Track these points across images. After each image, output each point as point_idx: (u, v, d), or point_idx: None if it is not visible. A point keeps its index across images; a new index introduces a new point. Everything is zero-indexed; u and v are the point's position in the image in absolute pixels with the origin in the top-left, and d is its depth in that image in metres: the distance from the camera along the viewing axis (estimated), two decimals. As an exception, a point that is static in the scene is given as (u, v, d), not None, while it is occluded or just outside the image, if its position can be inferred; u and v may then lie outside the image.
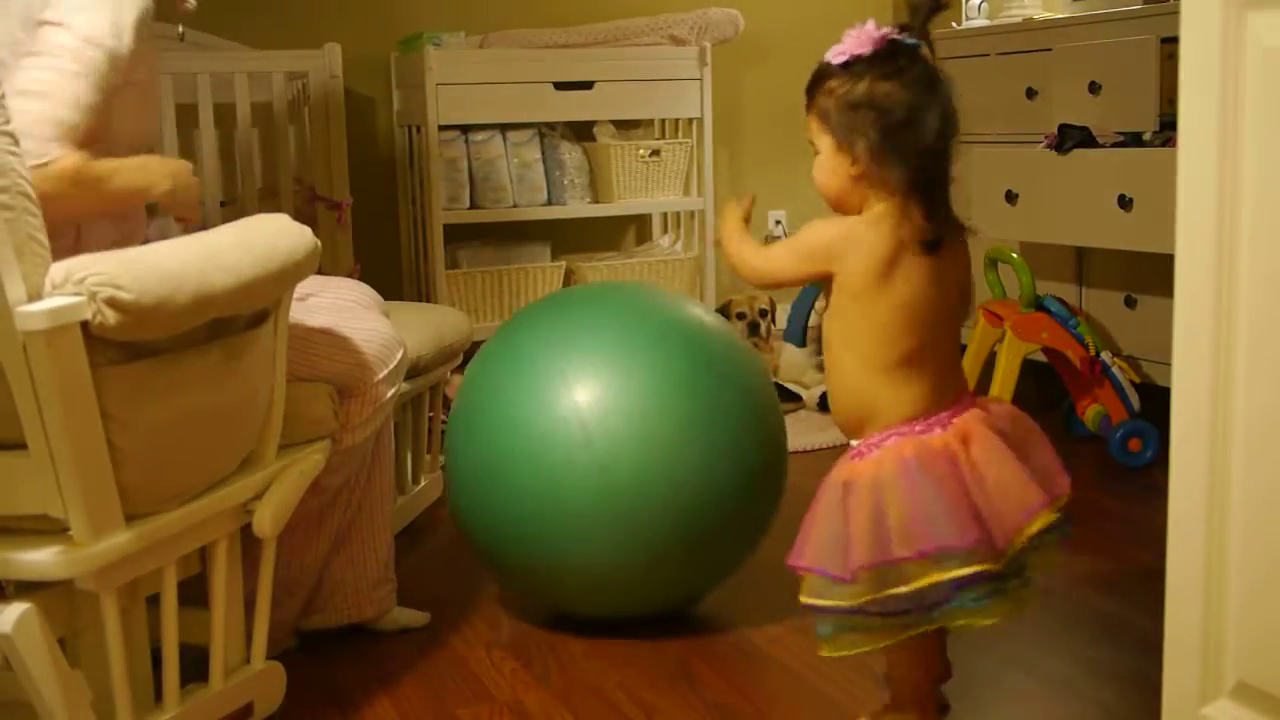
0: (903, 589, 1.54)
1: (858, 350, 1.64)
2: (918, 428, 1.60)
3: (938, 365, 1.63)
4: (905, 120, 1.59)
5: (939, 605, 1.57)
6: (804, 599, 1.60)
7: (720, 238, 1.81)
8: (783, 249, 1.72)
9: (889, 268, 1.61)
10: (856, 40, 1.64)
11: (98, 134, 1.72)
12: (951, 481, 1.56)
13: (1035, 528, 1.58)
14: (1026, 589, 1.64)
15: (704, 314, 2.19)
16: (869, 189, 1.63)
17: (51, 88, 1.65)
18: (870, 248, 1.61)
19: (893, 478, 1.57)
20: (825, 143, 1.69)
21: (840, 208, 1.68)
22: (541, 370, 2.02)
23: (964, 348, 3.46)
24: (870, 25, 1.64)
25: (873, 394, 1.63)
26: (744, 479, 2.04)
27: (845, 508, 1.60)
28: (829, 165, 1.68)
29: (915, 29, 1.63)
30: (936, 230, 1.60)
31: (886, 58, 1.62)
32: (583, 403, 1.97)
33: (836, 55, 1.66)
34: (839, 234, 1.64)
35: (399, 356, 2.03)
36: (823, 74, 1.69)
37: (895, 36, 1.62)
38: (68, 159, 1.66)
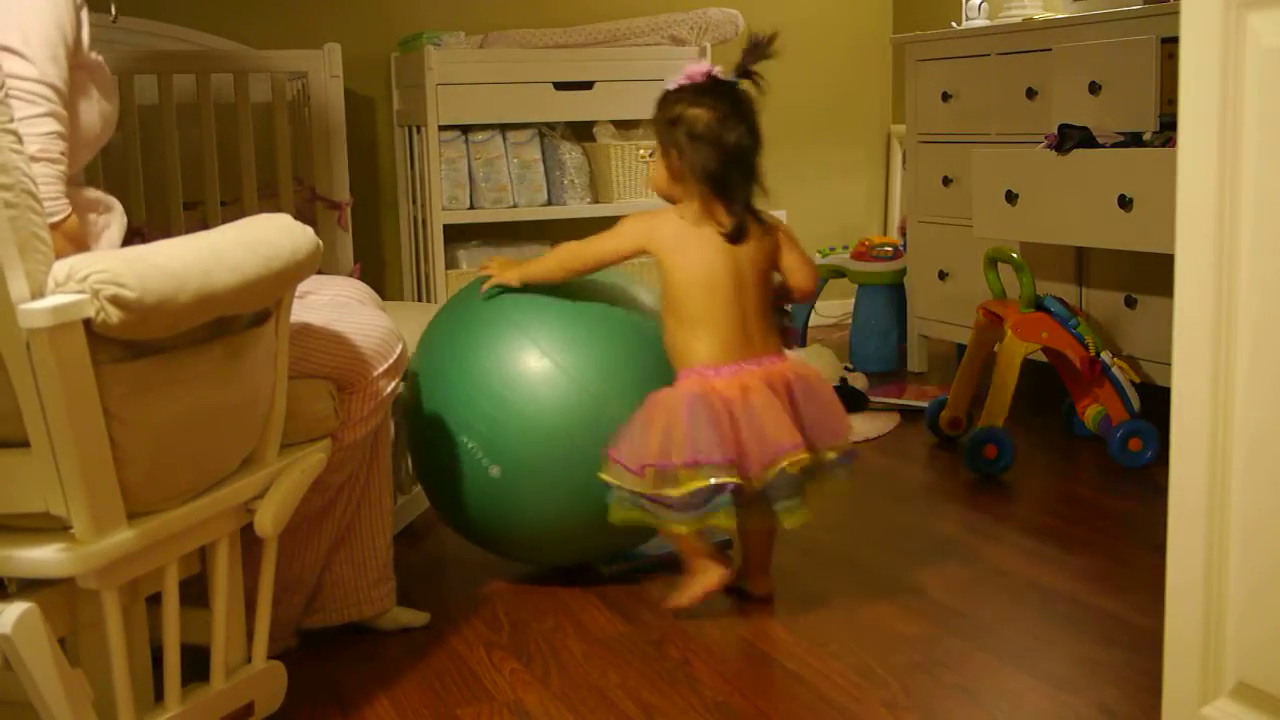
0: (674, 492, 2.00)
1: (667, 309, 2.15)
2: (709, 373, 2.07)
3: (729, 329, 2.09)
4: (706, 136, 2.08)
5: (701, 507, 2.01)
6: (603, 476, 2.06)
7: (527, 274, 2.24)
8: (608, 233, 2.20)
9: (686, 249, 2.11)
10: (686, 74, 2.14)
11: (72, 146, 1.71)
12: (722, 416, 2.01)
13: (786, 462, 2.01)
14: (792, 507, 2.07)
15: (639, 293, 2.34)
16: (682, 187, 2.12)
17: (31, 140, 1.62)
18: (672, 232, 2.12)
19: (679, 406, 2.03)
20: (656, 149, 2.17)
21: (666, 197, 2.17)
22: (500, 328, 2.21)
23: (963, 347, 3.49)
24: (701, 64, 2.14)
25: (675, 342, 2.13)
26: None
27: (650, 421, 2.05)
28: (655, 167, 2.17)
29: (739, 69, 2.13)
30: (735, 224, 2.09)
31: (704, 89, 2.11)
32: (546, 347, 2.17)
33: (671, 84, 2.15)
34: (650, 221, 2.16)
35: (398, 351, 2.03)
36: (661, 97, 2.15)
37: (715, 74, 2.13)
38: (71, 219, 1.67)
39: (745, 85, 2.14)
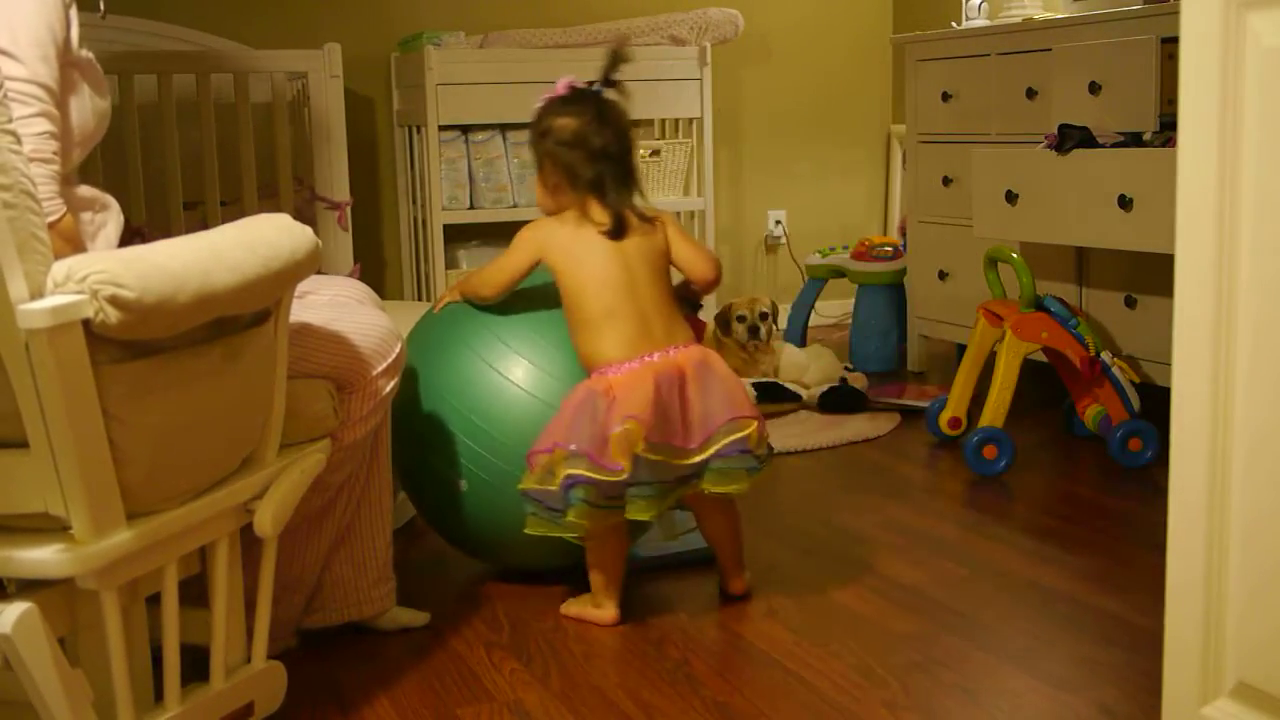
0: (552, 487, 2.03)
1: (568, 313, 2.18)
2: (610, 371, 2.09)
3: (628, 324, 2.12)
4: (573, 142, 2.16)
5: (566, 502, 2.03)
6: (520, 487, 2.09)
7: (455, 294, 2.32)
8: (507, 250, 2.23)
9: (575, 252, 2.16)
10: (553, 89, 2.23)
11: (65, 145, 1.71)
12: (604, 410, 2.04)
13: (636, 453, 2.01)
14: (653, 500, 2.06)
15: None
16: (562, 198, 2.19)
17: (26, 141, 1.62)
18: (561, 238, 2.18)
19: (569, 399, 2.09)
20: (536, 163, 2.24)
21: (549, 211, 2.23)
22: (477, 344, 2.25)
23: (963, 347, 3.49)
24: (566, 78, 2.22)
25: (579, 345, 2.16)
26: None
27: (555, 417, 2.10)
28: (536, 184, 2.25)
29: (601, 79, 2.20)
30: (613, 221, 2.15)
31: (568, 100, 2.20)
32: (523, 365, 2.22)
33: (538, 101, 2.24)
34: (540, 229, 2.21)
35: (397, 350, 2.03)
36: (533, 114, 2.23)
37: (575, 85, 2.21)
38: (66, 218, 1.67)
39: (610, 94, 2.21)
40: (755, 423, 2.11)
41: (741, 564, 2.28)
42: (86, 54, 1.76)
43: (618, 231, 2.16)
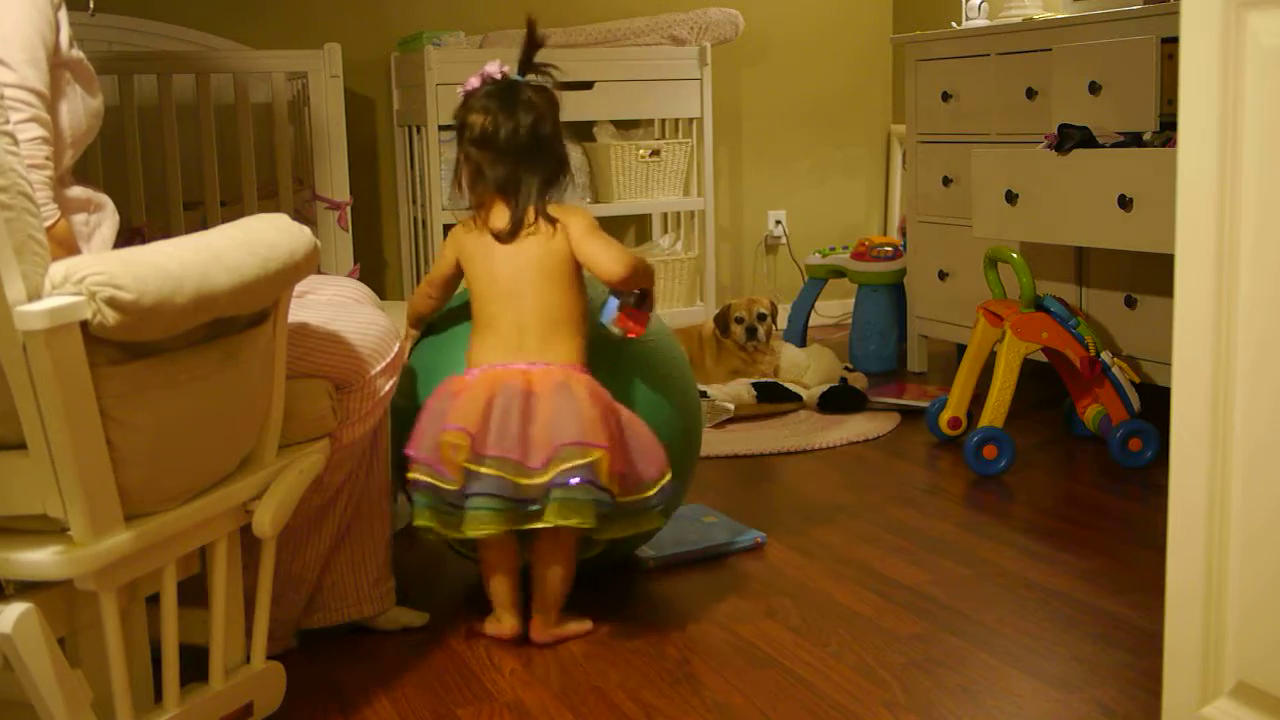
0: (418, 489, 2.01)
1: (473, 312, 2.13)
2: (466, 375, 2.05)
3: (503, 332, 2.07)
4: (480, 140, 2.08)
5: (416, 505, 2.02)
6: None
7: (410, 330, 2.28)
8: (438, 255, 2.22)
9: (474, 256, 2.12)
10: (468, 82, 2.13)
11: (57, 148, 1.71)
12: (444, 416, 1.98)
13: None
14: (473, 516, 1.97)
15: None
16: (474, 193, 2.13)
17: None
18: (468, 241, 2.13)
19: (428, 400, 2.06)
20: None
21: (470, 208, 2.16)
22: None
23: (963, 347, 3.49)
24: (485, 68, 2.12)
25: (469, 347, 2.11)
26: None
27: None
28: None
29: (520, 66, 2.13)
30: (508, 224, 2.08)
31: (480, 94, 2.11)
32: None
33: (459, 91, 2.14)
34: (457, 232, 2.17)
35: (395, 349, 2.03)
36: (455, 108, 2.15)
37: (488, 74, 2.12)
38: (60, 223, 1.67)
39: (534, 79, 2.13)
40: (604, 453, 1.95)
41: (553, 612, 2.10)
42: (77, 54, 1.76)
43: (509, 235, 2.08)
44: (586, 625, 2.14)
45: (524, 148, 2.08)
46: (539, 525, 1.98)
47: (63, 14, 1.73)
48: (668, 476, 2.05)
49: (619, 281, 2.11)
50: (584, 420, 1.96)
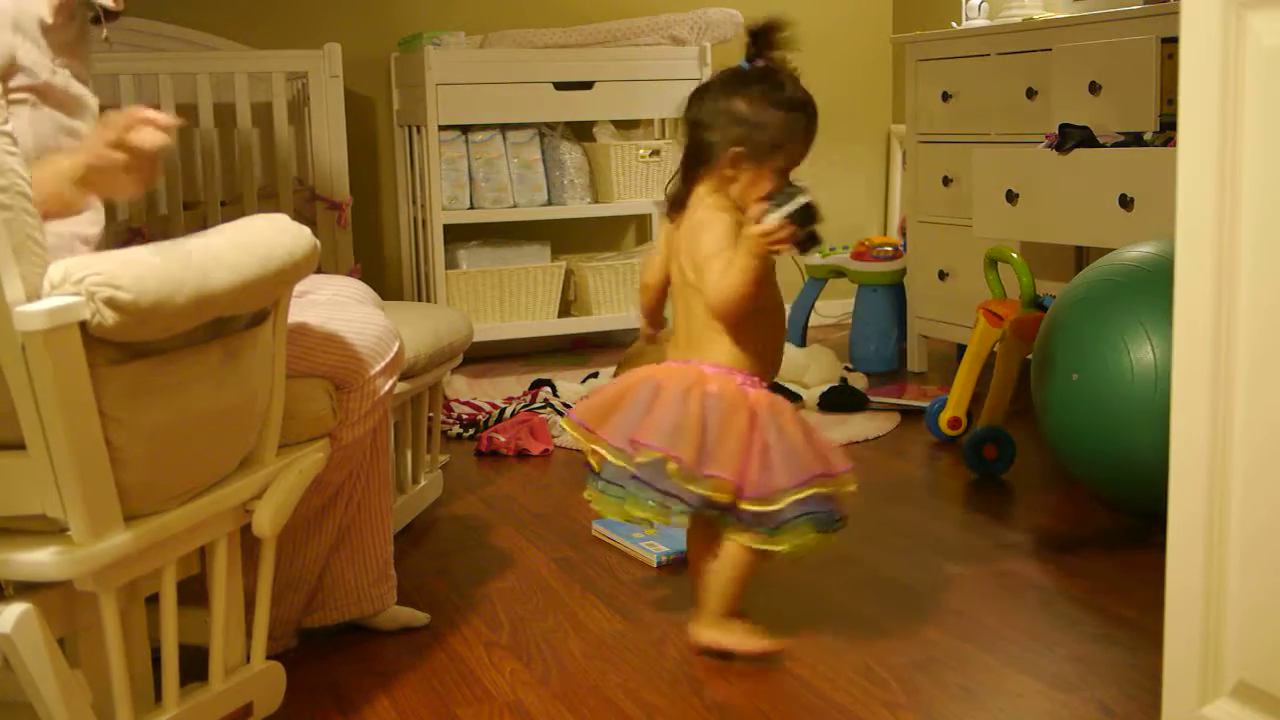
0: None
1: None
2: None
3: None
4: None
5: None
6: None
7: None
8: None
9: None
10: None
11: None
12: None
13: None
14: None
15: None
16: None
17: None
18: None
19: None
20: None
21: None
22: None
23: (963, 347, 3.49)
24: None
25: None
26: None
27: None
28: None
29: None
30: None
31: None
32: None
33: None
34: None
35: (395, 349, 2.03)
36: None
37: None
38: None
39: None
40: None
41: (723, 612, 2.03)
42: (48, 79, 1.77)
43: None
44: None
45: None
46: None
47: (22, 40, 1.74)
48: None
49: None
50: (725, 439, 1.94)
